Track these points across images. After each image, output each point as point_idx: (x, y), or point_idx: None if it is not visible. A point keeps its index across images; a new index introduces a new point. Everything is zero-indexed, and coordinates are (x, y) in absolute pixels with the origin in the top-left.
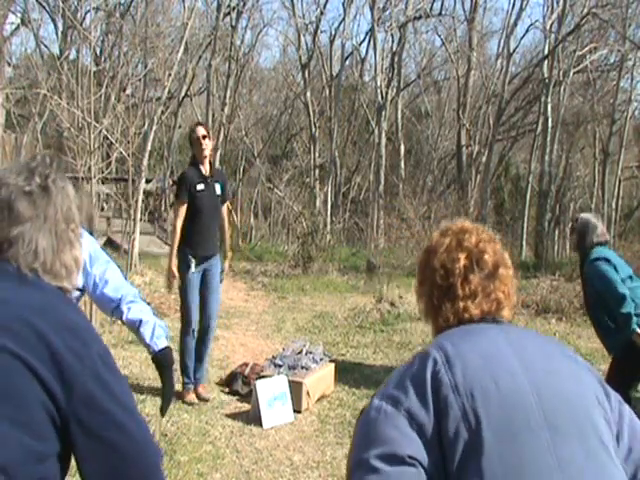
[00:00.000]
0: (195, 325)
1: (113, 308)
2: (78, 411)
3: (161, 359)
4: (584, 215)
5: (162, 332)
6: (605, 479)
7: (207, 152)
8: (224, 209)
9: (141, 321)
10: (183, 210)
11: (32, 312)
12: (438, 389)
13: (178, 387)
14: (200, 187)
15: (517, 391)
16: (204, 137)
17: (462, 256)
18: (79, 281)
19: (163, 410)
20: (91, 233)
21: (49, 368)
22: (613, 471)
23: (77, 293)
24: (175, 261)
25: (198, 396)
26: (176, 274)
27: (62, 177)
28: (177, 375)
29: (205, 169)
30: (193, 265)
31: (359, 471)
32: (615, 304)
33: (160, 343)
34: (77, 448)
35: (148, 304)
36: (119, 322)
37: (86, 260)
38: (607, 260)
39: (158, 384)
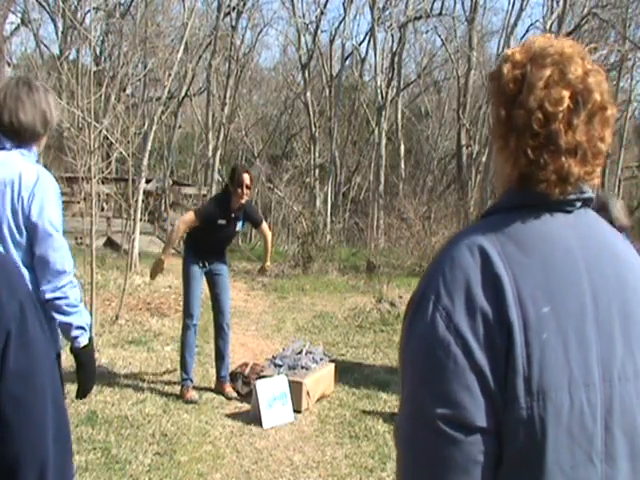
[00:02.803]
0: (197, 321)
1: (39, 284)
2: None
3: (79, 357)
4: (602, 193)
5: (79, 331)
6: None
7: (244, 200)
8: (262, 230)
9: (59, 321)
10: (191, 221)
11: None
12: (508, 368)
13: (178, 388)
14: (221, 222)
15: (588, 415)
16: (247, 187)
17: (566, 94)
18: None
19: (80, 396)
20: (37, 138)
21: None
22: None
23: None
24: (169, 254)
25: (226, 395)
26: (164, 266)
27: None
28: (175, 375)
29: (234, 210)
30: (200, 264)
31: (422, 428)
32: None
33: (79, 341)
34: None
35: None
36: (119, 322)
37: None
38: None
39: (158, 384)
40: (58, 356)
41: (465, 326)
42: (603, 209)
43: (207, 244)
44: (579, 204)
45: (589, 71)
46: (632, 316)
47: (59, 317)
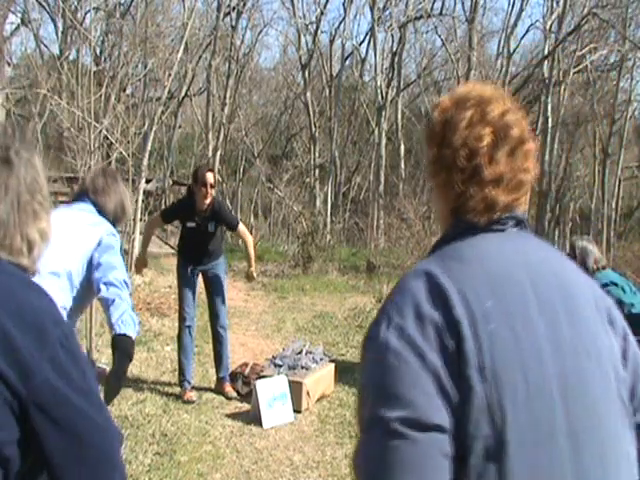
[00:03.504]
0: (191, 322)
1: (97, 287)
2: (38, 398)
3: (119, 342)
4: (580, 242)
5: (130, 321)
6: None
7: (207, 201)
8: (239, 233)
9: (114, 301)
10: (157, 227)
11: None
12: (461, 363)
13: (177, 388)
14: (190, 225)
15: (544, 390)
16: (212, 186)
17: (487, 132)
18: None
19: (106, 399)
20: (114, 224)
21: (4, 355)
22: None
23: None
24: (145, 253)
25: (226, 395)
26: (146, 264)
27: (27, 148)
28: (175, 375)
29: (200, 211)
30: (189, 267)
31: (379, 432)
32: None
33: (124, 328)
34: (38, 434)
35: (136, 311)
36: None
37: (94, 247)
38: (615, 284)
39: (158, 384)
40: None
41: (416, 334)
42: (583, 260)
43: (190, 246)
44: (511, 222)
45: (508, 110)
46: (576, 308)
47: (114, 298)
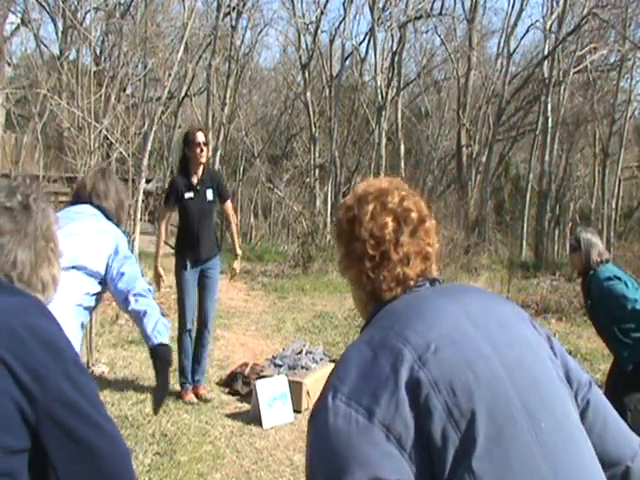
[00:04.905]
0: (191, 326)
1: (123, 299)
2: (53, 410)
3: (159, 353)
4: (585, 234)
5: (164, 329)
6: (578, 453)
7: (203, 160)
8: (227, 208)
9: (145, 312)
10: (167, 215)
11: (6, 313)
12: (415, 389)
13: (177, 387)
14: (188, 195)
15: (494, 378)
16: (204, 144)
17: (389, 219)
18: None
19: (155, 409)
20: (117, 225)
21: (23, 365)
22: (582, 440)
23: (99, 288)
24: (160, 261)
25: (199, 397)
26: (162, 274)
27: (43, 199)
28: (174, 375)
29: (197, 176)
30: (188, 266)
31: None
32: (637, 322)
33: (160, 338)
34: (51, 446)
35: (159, 305)
36: (119, 322)
37: (110, 254)
38: (618, 278)
39: None
40: None
41: (362, 392)
42: (588, 251)
43: (190, 234)
44: (426, 284)
45: (404, 197)
46: (502, 315)
47: (145, 309)
